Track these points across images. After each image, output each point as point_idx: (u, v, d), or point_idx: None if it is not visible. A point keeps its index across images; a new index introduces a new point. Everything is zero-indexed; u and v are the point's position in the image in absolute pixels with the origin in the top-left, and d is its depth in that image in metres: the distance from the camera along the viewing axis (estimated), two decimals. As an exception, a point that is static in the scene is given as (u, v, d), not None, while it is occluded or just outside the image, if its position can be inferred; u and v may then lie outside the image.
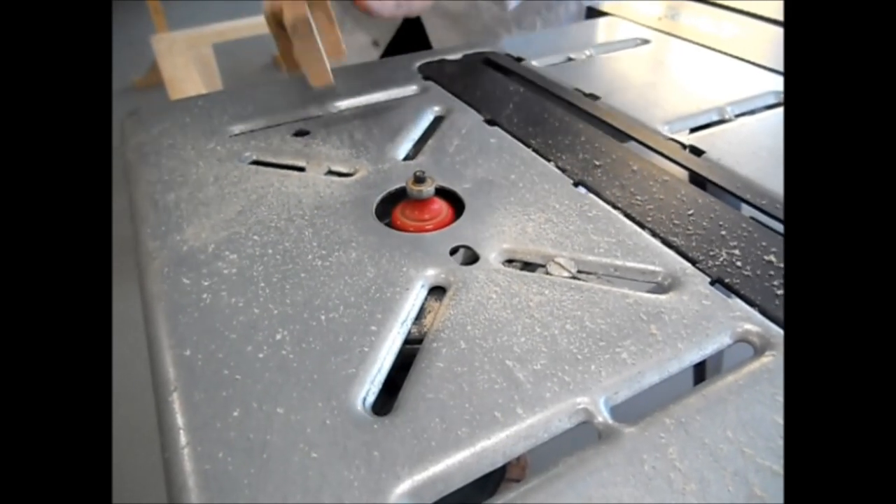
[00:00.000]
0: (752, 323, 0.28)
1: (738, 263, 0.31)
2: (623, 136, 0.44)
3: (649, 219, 0.34)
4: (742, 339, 0.27)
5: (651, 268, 0.31)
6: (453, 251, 0.33)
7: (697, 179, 0.39)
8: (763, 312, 0.28)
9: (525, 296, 0.29)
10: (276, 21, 0.35)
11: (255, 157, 0.42)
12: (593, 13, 0.69)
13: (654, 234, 0.33)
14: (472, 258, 0.32)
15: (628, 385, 0.25)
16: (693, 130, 0.45)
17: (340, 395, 0.25)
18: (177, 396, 0.25)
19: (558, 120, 0.45)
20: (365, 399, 0.25)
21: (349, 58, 0.42)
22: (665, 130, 0.44)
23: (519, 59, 0.56)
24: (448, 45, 0.58)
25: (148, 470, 0.97)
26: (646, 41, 0.60)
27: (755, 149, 0.41)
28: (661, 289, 0.31)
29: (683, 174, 0.39)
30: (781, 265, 0.30)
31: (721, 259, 0.31)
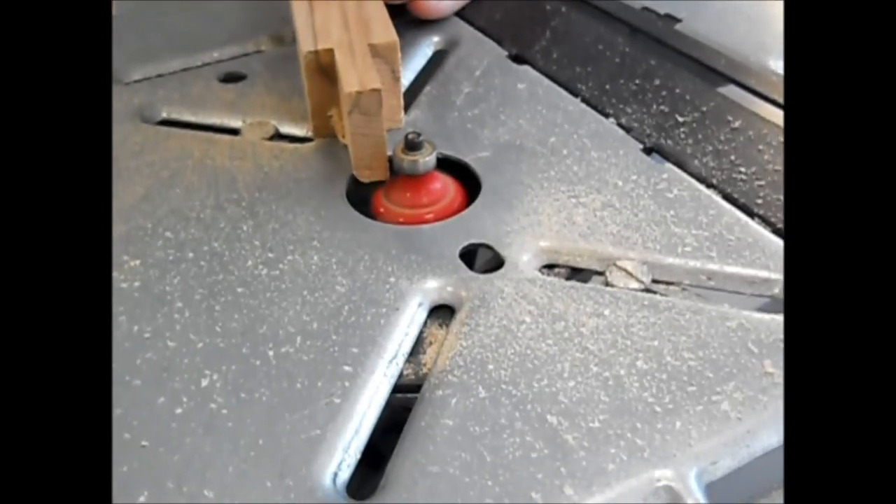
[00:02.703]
0: (918, 356, 0.27)
1: (894, 266, 0.31)
2: (717, 77, 0.44)
3: (759, 201, 0.34)
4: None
5: (763, 274, 0.31)
6: (465, 252, 0.33)
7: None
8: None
9: (574, 318, 0.29)
10: (320, 69, 0.38)
11: (165, 115, 0.43)
12: None
13: (767, 224, 0.33)
14: (493, 263, 0.32)
15: (732, 451, 0.25)
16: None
17: (300, 470, 0.25)
18: (53, 474, 0.25)
19: (619, 54, 0.45)
20: (336, 475, 0.25)
21: None
22: (779, 67, 0.44)
23: (558, -35, 0.56)
24: None
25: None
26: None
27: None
28: (778, 306, 0.30)
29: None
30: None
31: (868, 260, 0.31)
